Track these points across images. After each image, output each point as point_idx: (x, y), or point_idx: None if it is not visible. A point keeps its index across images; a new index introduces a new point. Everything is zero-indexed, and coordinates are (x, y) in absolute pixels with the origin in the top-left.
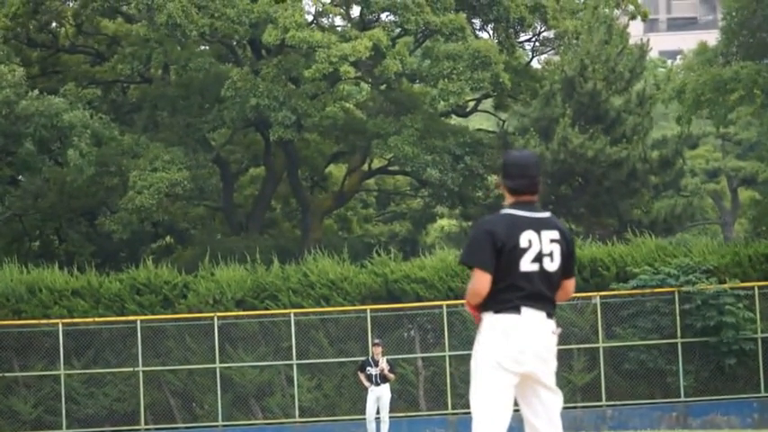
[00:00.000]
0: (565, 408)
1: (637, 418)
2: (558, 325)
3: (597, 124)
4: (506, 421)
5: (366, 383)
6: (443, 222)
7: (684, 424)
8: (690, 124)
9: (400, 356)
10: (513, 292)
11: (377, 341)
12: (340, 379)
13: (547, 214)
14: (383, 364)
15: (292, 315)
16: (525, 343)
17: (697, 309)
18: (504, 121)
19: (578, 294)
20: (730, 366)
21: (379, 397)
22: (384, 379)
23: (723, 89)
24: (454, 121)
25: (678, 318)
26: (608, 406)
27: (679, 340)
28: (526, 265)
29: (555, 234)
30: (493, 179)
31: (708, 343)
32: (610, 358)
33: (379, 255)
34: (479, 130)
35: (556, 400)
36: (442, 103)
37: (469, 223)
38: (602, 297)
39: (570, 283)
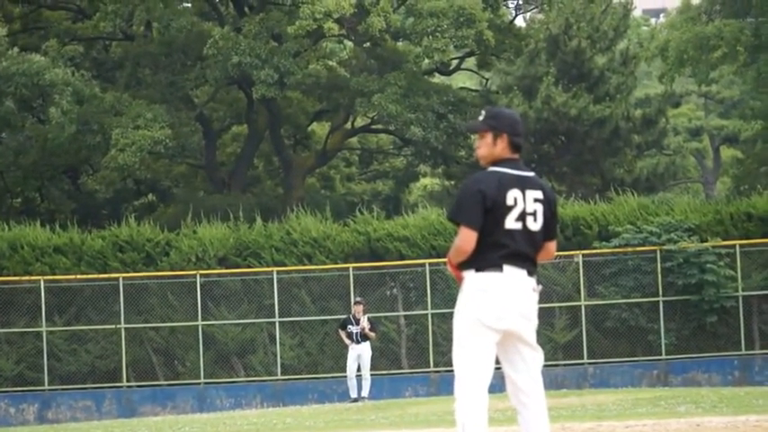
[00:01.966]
0: (546, 366)
1: (618, 376)
2: (539, 282)
3: (581, 83)
4: (488, 378)
5: (347, 341)
6: (426, 181)
7: (665, 382)
8: (673, 83)
9: (383, 314)
10: (495, 250)
11: (358, 299)
12: (322, 337)
13: (531, 173)
14: (364, 322)
15: (275, 273)
16: (507, 300)
17: (678, 267)
18: (487, 80)
19: (560, 253)
20: (711, 324)
21: (359, 355)
22: (365, 337)
23: (706, 47)
24: (437, 79)
25: (660, 276)
26: (589, 364)
27: (660, 298)
28: (510, 223)
29: (539, 194)
30: (476, 139)
31: (689, 301)
32: (591, 316)
33: (361, 213)
34: (462, 88)
35: (537, 357)
36: (426, 60)
37: (452, 182)
38: (584, 255)
39: (552, 245)
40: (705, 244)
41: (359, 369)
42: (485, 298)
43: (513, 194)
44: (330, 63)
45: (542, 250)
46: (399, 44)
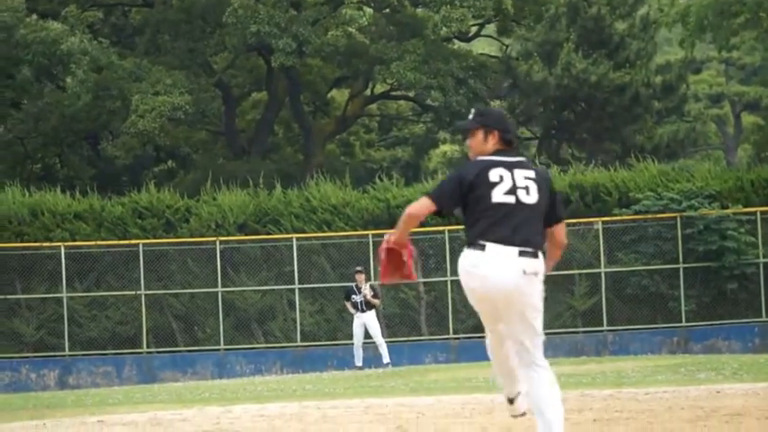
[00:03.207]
0: (566, 333)
1: (638, 343)
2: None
3: (601, 49)
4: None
5: (352, 311)
6: (445, 148)
7: (686, 348)
8: (693, 49)
9: (402, 281)
10: (486, 223)
11: (359, 268)
12: (342, 303)
13: (522, 158)
14: (366, 290)
15: (294, 240)
16: (489, 279)
17: (699, 234)
18: (507, 46)
19: (581, 219)
20: (732, 291)
21: (365, 323)
22: (369, 305)
23: (727, 12)
24: (457, 46)
25: (680, 243)
26: (609, 331)
27: (681, 265)
28: (499, 196)
29: (530, 173)
30: (468, 138)
31: (709, 268)
32: (611, 283)
33: (381, 180)
34: (482, 54)
35: (529, 333)
36: (444, 29)
37: None
38: (604, 222)
39: (560, 228)
40: (726, 211)
41: (367, 337)
42: (467, 276)
43: (497, 172)
44: (349, 30)
45: (551, 237)
46: (419, 11)
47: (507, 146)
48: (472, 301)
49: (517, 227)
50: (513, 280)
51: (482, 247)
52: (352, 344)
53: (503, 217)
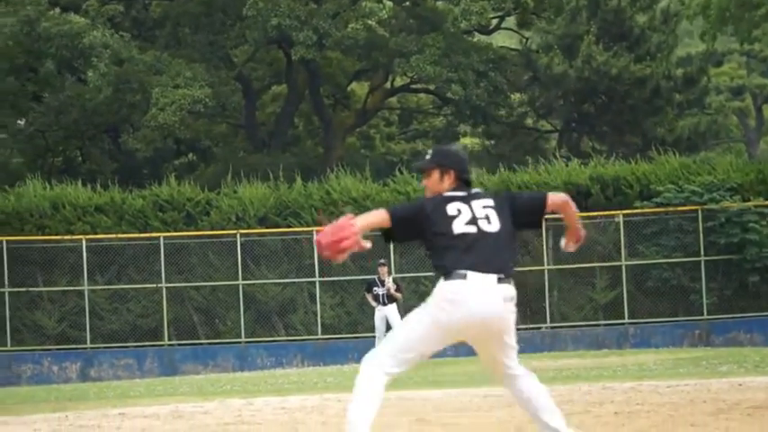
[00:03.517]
0: (587, 325)
1: (659, 336)
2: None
3: (621, 42)
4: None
5: (373, 303)
6: (466, 140)
7: (707, 341)
8: (714, 41)
9: (422, 274)
10: (456, 253)
11: (382, 261)
12: (362, 296)
13: (478, 189)
14: (389, 283)
15: (315, 232)
16: (474, 308)
17: (720, 226)
18: (527, 39)
19: (601, 212)
20: (753, 284)
21: (386, 316)
22: (391, 298)
23: (749, 5)
24: (477, 38)
25: (701, 235)
26: (630, 324)
27: (702, 258)
28: (460, 227)
29: (488, 202)
30: (423, 177)
31: (731, 261)
32: (632, 276)
33: (401, 173)
34: (502, 47)
35: (506, 351)
36: (464, 22)
37: (492, 141)
38: (625, 215)
39: (551, 200)
40: (747, 203)
41: (388, 329)
42: (453, 306)
43: (455, 206)
44: (369, 23)
45: (557, 210)
46: (439, 3)
47: (464, 185)
48: (444, 328)
49: (488, 255)
50: (497, 307)
51: (463, 276)
52: (375, 336)
53: (470, 246)
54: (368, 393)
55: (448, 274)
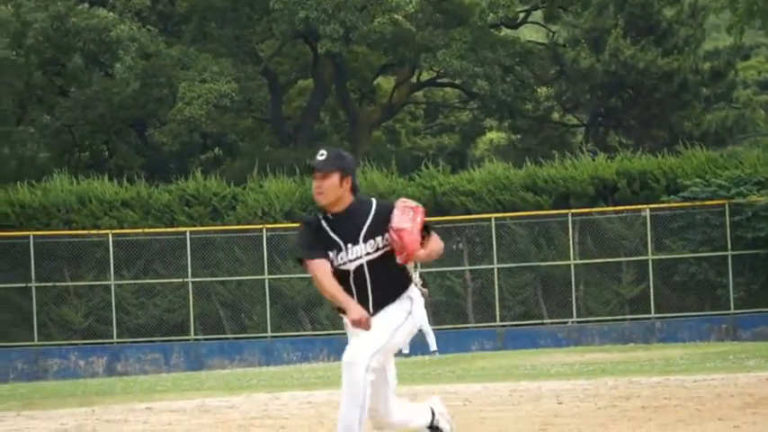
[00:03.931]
0: (613, 320)
1: (686, 331)
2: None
3: (649, 35)
4: None
5: None
6: (492, 135)
7: (734, 336)
8: (742, 35)
9: (448, 269)
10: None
11: None
12: None
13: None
14: (416, 279)
15: None
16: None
17: (747, 221)
18: (554, 33)
19: (628, 207)
20: None
21: None
22: None
23: None
24: (504, 32)
25: (728, 230)
26: (657, 318)
27: (729, 252)
28: None
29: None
30: (316, 179)
31: (758, 255)
32: (659, 270)
33: (427, 167)
34: (529, 41)
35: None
36: (491, 15)
37: (518, 136)
38: (651, 209)
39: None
40: None
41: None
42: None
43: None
44: (396, 17)
45: None
46: None
47: (354, 193)
48: (413, 329)
49: None
50: None
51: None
52: None
53: None
54: (365, 396)
55: (409, 281)
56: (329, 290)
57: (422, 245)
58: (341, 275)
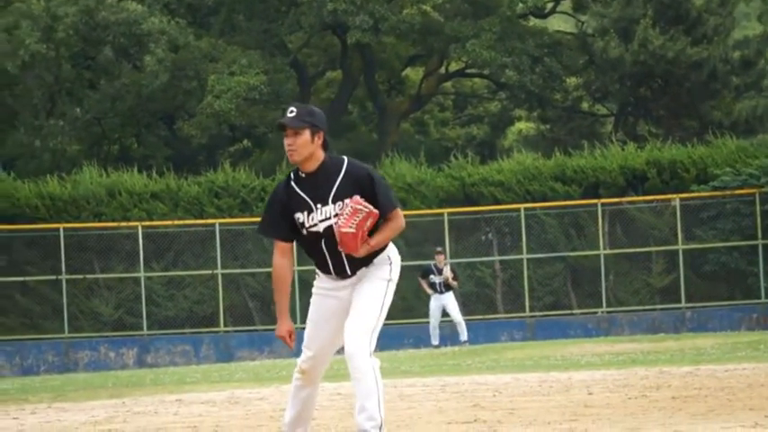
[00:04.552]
0: (644, 310)
1: (716, 320)
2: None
3: (678, 25)
4: None
5: (429, 291)
6: (521, 125)
7: (765, 325)
8: None
9: (478, 259)
10: None
11: (439, 249)
12: (417, 282)
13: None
14: (447, 272)
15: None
16: None
17: None
18: (583, 23)
19: (658, 196)
20: None
21: (444, 305)
22: (448, 287)
23: None
24: (532, 22)
25: (759, 219)
26: (687, 308)
27: (760, 242)
28: None
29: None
30: (287, 136)
31: None
32: (689, 260)
33: (456, 158)
34: (558, 31)
35: None
36: (520, 5)
37: (548, 126)
38: (681, 199)
39: None
40: None
41: (444, 315)
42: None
43: None
44: (424, 7)
45: None
46: None
47: (325, 149)
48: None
49: None
50: None
51: None
52: (428, 323)
53: None
54: (376, 382)
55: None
56: (275, 282)
57: (367, 242)
58: (312, 240)
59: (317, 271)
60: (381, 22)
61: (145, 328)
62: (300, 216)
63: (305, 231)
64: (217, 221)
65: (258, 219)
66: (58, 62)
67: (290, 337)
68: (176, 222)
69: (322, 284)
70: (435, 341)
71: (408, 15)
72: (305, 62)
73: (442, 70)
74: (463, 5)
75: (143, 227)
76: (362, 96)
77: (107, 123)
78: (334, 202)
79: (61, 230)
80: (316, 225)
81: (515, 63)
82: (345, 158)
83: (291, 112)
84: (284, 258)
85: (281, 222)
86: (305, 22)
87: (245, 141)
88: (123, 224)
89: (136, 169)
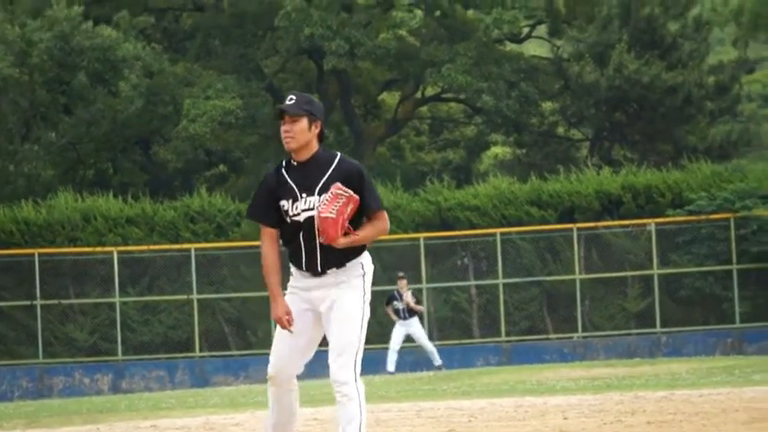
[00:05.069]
0: (619, 334)
1: (691, 345)
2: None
3: (653, 50)
4: None
5: (394, 317)
6: (497, 150)
7: (739, 350)
8: (747, 48)
9: (453, 284)
10: None
11: (401, 274)
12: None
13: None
14: (408, 297)
15: None
16: None
17: (753, 234)
18: (558, 48)
19: (633, 221)
20: None
21: (410, 332)
22: (412, 312)
23: None
24: (508, 47)
25: (734, 243)
26: (662, 332)
27: (735, 266)
28: None
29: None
30: (284, 123)
31: (764, 269)
32: (665, 285)
33: (432, 182)
34: (534, 56)
35: None
36: (495, 30)
37: (524, 150)
38: (656, 224)
39: None
40: None
41: (409, 341)
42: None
43: None
44: (400, 32)
45: None
46: (469, 13)
47: (321, 140)
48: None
49: None
50: None
51: None
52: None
53: None
54: (360, 407)
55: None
56: (265, 268)
57: (349, 232)
58: (292, 229)
59: (291, 267)
60: (357, 47)
61: (120, 353)
62: (285, 204)
63: (288, 220)
64: (192, 246)
65: (234, 243)
66: (33, 87)
67: (287, 318)
68: (152, 247)
69: (295, 283)
70: (391, 367)
71: (384, 40)
72: (281, 86)
73: (419, 95)
74: (439, 30)
75: (118, 252)
76: (338, 121)
77: (82, 148)
78: (320, 193)
79: (36, 255)
80: (298, 214)
81: (491, 88)
82: (338, 153)
83: (291, 99)
84: (272, 245)
85: (268, 208)
86: (281, 46)
87: (221, 166)
88: (98, 249)
89: (111, 194)
